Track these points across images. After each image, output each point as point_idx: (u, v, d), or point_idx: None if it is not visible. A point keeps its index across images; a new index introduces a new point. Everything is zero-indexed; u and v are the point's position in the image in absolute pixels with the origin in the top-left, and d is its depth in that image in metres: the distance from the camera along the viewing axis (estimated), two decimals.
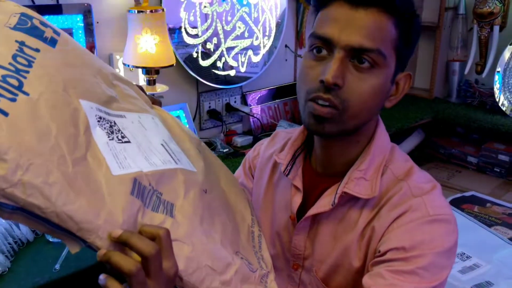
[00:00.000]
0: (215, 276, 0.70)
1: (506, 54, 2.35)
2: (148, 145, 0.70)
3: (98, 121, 0.64)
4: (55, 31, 0.66)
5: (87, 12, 1.55)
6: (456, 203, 1.94)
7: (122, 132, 0.67)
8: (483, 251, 1.63)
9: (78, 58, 0.68)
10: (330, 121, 0.80)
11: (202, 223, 0.72)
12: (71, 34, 1.53)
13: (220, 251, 0.74)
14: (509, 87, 2.37)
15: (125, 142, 0.66)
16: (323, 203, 0.90)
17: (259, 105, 2.13)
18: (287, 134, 1.04)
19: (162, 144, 0.73)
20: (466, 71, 2.58)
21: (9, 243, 1.19)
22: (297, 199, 0.95)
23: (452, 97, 2.69)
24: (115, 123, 0.67)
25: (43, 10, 1.45)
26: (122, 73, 1.72)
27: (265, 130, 2.10)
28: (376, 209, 0.85)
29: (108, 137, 0.64)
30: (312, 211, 0.91)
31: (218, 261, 0.71)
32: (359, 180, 0.85)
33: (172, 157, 0.72)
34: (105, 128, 0.65)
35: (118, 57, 1.70)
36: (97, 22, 1.63)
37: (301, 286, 0.98)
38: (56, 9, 1.49)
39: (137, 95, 0.79)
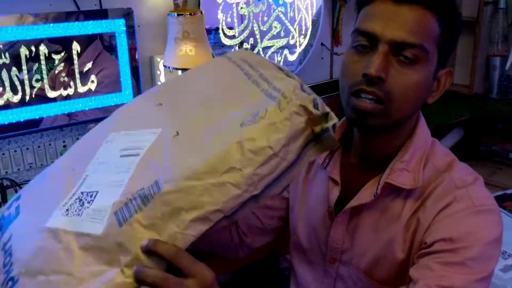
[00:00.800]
0: None
1: None
2: (110, 170, 0.66)
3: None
4: None
5: (128, 16, 1.60)
6: (498, 201, 1.87)
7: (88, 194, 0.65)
8: None
9: None
10: (374, 115, 0.81)
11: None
12: (113, 37, 1.59)
13: None
14: None
15: (93, 196, 0.64)
16: (364, 195, 0.90)
17: None
18: None
19: (121, 156, 0.68)
20: (507, 67, 2.52)
21: None
22: (335, 192, 0.95)
23: (492, 93, 2.63)
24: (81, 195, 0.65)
25: (88, 15, 1.52)
26: (162, 75, 1.76)
27: None
28: (420, 201, 0.85)
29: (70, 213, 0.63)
30: (353, 203, 0.91)
31: None
32: (401, 171, 0.86)
33: (132, 154, 0.67)
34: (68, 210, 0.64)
35: (158, 59, 1.74)
36: (138, 26, 1.68)
37: (338, 279, 0.98)
38: (101, 14, 1.55)
39: None
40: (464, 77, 2.73)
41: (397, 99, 0.80)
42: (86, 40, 1.53)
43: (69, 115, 1.56)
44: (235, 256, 1.13)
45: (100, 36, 1.56)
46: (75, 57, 1.52)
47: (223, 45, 1.87)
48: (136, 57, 1.65)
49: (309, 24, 2.13)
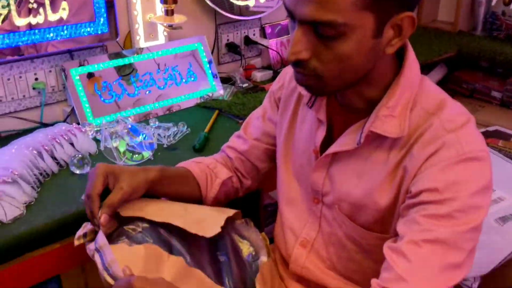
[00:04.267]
0: None
1: None
2: None
3: None
4: None
5: None
6: None
7: None
8: (507, 185, 1.61)
9: None
10: (314, 86, 0.80)
11: None
12: None
13: None
14: None
15: None
16: (347, 141, 0.87)
17: (279, 38, 2.07)
18: None
19: None
20: (493, 3, 2.46)
21: (35, 175, 1.19)
22: (321, 132, 0.92)
23: (477, 30, 2.58)
24: None
25: None
26: (138, 4, 1.65)
27: (285, 64, 2.05)
28: (406, 148, 0.81)
29: None
30: (334, 148, 0.89)
31: None
32: (386, 118, 0.81)
33: None
34: None
35: None
36: None
37: (322, 219, 0.97)
38: None
39: None
40: (449, 14, 2.68)
41: (327, 73, 0.76)
42: None
43: (40, 45, 1.46)
44: (235, 197, 1.17)
45: None
46: None
47: None
48: None
49: None
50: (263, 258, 0.99)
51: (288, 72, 1.06)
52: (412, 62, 0.84)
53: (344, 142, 0.87)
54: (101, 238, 0.84)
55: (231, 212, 1.00)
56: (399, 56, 0.85)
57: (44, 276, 1.09)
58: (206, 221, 0.94)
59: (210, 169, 1.10)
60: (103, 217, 0.86)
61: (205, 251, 0.96)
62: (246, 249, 1.00)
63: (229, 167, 1.13)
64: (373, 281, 0.78)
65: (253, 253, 1.00)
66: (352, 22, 0.72)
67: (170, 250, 0.92)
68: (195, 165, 1.09)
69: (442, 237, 0.75)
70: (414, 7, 0.78)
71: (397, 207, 0.83)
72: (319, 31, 0.73)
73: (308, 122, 0.97)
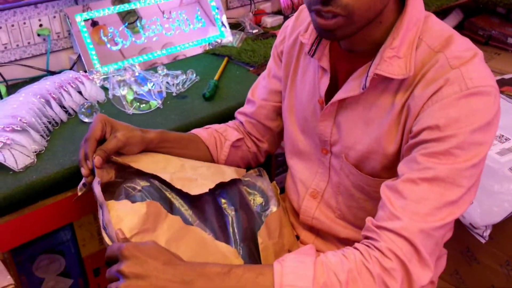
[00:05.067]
0: None
1: None
2: None
3: None
4: None
5: None
6: None
7: None
8: None
9: None
10: (338, 29, 0.76)
11: None
12: None
13: None
14: None
15: None
16: (352, 87, 0.85)
17: None
18: None
19: None
20: None
21: (44, 123, 1.18)
22: (325, 81, 0.90)
23: None
24: None
25: None
26: None
27: (296, 9, 1.98)
28: (411, 88, 0.79)
29: None
30: (340, 95, 0.87)
31: None
32: (391, 59, 0.79)
33: None
34: None
35: None
36: None
37: (331, 170, 0.96)
38: None
39: None
40: None
41: (358, 8, 0.73)
42: None
43: None
44: (256, 163, 1.16)
45: None
46: None
47: None
48: None
49: None
50: (273, 208, 0.99)
51: (288, 25, 1.04)
52: (415, 0, 0.81)
53: (349, 88, 0.85)
54: (98, 193, 0.83)
55: (234, 174, 0.99)
56: None
57: (57, 223, 1.10)
58: (197, 181, 0.93)
59: (219, 133, 1.09)
60: (96, 159, 0.87)
61: (211, 204, 0.96)
62: (256, 200, 0.99)
63: (241, 131, 1.13)
64: (368, 219, 0.78)
65: (263, 204, 0.99)
66: None
67: (171, 207, 0.91)
68: (203, 130, 1.09)
69: (441, 175, 0.74)
70: None
71: (402, 152, 0.82)
72: None
73: (311, 72, 0.95)
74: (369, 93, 0.84)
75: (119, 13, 1.54)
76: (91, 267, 1.43)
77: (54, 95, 1.24)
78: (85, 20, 1.48)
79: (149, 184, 0.91)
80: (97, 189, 0.84)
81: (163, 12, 1.62)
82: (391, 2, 0.80)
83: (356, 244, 0.76)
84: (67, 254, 1.39)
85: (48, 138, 1.18)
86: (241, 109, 1.15)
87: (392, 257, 0.71)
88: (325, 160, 0.96)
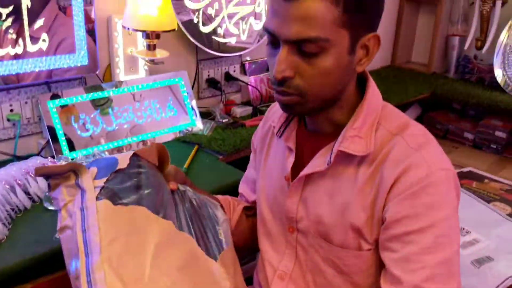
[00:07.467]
0: None
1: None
2: None
3: None
4: None
5: None
6: None
7: None
8: (482, 227, 1.62)
9: None
10: (295, 106, 0.85)
11: None
12: None
13: None
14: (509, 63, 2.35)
15: None
16: (317, 163, 0.91)
17: (259, 75, 2.08)
18: None
19: None
20: (466, 46, 2.55)
21: (6, 210, 1.15)
22: (291, 160, 0.96)
23: (450, 72, 2.67)
24: None
25: None
26: (120, 37, 1.65)
27: (264, 101, 2.06)
28: (374, 165, 0.86)
29: None
30: (306, 171, 0.93)
31: None
32: (353, 138, 0.87)
33: None
34: None
35: (117, 20, 1.62)
36: None
37: (298, 248, 0.98)
38: None
39: None
40: (423, 56, 2.76)
41: (310, 89, 0.82)
42: None
43: (17, 76, 1.43)
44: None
45: None
46: (24, 12, 1.39)
47: (187, 9, 1.77)
48: (93, 16, 1.53)
49: None
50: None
51: (263, 120, 1.12)
52: (373, 89, 0.91)
53: (316, 164, 0.91)
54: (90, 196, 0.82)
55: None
56: (361, 86, 0.91)
57: None
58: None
59: (233, 199, 1.15)
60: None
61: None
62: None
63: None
64: None
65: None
66: (332, 38, 0.78)
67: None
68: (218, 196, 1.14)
69: (438, 271, 0.80)
70: (377, 28, 0.85)
71: (373, 223, 0.87)
72: (303, 48, 0.79)
73: (280, 153, 1.01)
74: (334, 168, 0.90)
75: (92, 101, 1.57)
76: None
77: (19, 181, 1.22)
78: (57, 106, 1.49)
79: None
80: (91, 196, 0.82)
81: (134, 97, 1.65)
82: (351, 88, 0.88)
83: None
84: None
85: (10, 226, 1.14)
86: (241, 191, 1.20)
87: None
88: (292, 240, 0.98)
